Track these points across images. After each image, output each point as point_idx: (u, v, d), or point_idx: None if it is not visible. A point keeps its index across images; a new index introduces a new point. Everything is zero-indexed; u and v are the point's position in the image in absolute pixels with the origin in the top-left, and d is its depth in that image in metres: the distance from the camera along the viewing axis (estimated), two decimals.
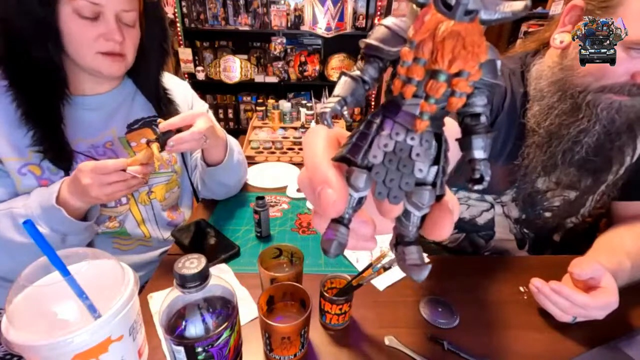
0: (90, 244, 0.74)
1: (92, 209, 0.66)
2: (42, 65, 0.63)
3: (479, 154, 0.18)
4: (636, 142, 0.67)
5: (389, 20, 0.17)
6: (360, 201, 0.19)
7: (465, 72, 0.14)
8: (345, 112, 0.17)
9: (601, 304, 0.54)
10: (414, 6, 0.15)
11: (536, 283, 0.59)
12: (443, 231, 0.19)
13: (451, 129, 0.19)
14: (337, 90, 0.18)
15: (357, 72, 0.18)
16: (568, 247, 0.82)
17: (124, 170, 0.59)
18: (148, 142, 0.63)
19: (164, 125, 0.65)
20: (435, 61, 0.14)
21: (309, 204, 0.92)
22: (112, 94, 0.76)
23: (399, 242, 0.20)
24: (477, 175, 0.18)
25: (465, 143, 0.18)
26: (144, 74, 0.78)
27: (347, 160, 0.18)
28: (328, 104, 0.17)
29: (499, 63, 0.17)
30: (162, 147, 0.64)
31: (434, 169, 0.18)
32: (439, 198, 0.19)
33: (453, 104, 0.15)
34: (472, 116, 0.18)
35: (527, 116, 0.67)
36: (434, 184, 0.18)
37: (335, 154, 0.18)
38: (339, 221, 0.19)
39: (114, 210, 0.75)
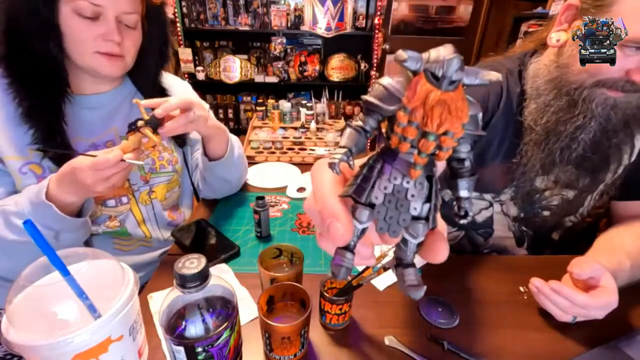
0: (90, 244, 0.74)
1: (86, 204, 0.65)
2: (44, 63, 0.63)
3: (463, 193, 0.21)
4: (633, 140, 0.67)
5: (386, 81, 0.19)
6: (364, 231, 0.21)
7: (451, 132, 0.17)
8: (351, 162, 0.20)
9: (601, 303, 0.54)
10: (408, 72, 0.18)
11: (536, 283, 0.59)
12: (439, 255, 0.22)
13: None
14: (344, 141, 0.20)
15: (360, 123, 0.20)
16: (568, 246, 0.83)
17: (123, 160, 0.59)
18: (139, 128, 0.62)
19: (145, 103, 0.63)
20: (426, 125, 0.17)
21: None
22: (112, 93, 0.76)
23: (398, 264, 0.23)
24: (462, 212, 0.21)
25: (452, 184, 0.22)
26: (143, 75, 0.78)
27: (353, 197, 0.21)
28: (336, 154, 0.20)
29: (480, 116, 0.20)
30: (155, 130, 0.63)
31: (427, 205, 0.21)
32: (433, 228, 0.22)
33: (441, 156, 0.19)
34: (458, 160, 0.21)
35: (524, 114, 0.68)
36: (427, 218, 0.21)
37: (342, 192, 0.21)
38: (345, 247, 0.21)
39: (114, 210, 0.75)
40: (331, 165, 0.20)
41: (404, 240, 0.22)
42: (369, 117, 0.20)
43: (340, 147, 0.20)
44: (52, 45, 0.62)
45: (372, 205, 0.20)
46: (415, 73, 0.17)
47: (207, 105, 0.96)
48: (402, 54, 0.17)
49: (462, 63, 0.17)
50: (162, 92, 0.82)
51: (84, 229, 0.66)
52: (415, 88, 0.17)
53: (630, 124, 0.62)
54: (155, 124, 0.62)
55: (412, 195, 0.20)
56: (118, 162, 0.57)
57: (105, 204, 0.74)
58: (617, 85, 0.56)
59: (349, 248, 0.21)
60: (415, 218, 0.21)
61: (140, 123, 0.62)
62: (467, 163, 0.21)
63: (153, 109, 0.63)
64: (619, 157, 0.68)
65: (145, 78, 0.79)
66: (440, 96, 0.17)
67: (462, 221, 0.21)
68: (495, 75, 0.18)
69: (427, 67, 0.17)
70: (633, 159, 0.70)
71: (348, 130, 0.21)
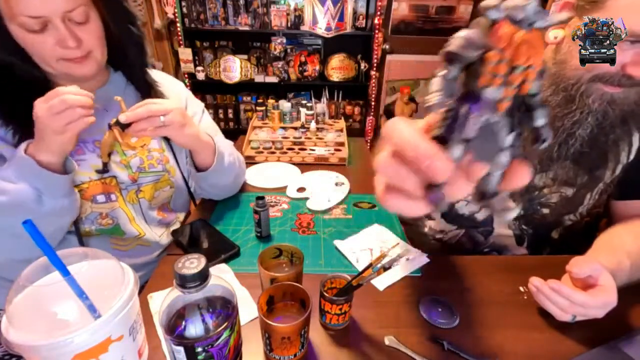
0: (88, 245, 0.74)
1: (67, 165, 0.65)
2: (22, 83, 0.63)
3: (540, 122, 0.24)
4: (631, 137, 0.68)
5: (463, 33, 0.22)
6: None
7: (533, 66, 0.21)
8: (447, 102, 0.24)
9: (600, 302, 0.54)
10: (486, 21, 0.21)
11: (535, 282, 0.59)
12: (523, 179, 0.25)
13: None
14: (435, 87, 0.23)
15: (444, 72, 0.23)
16: (567, 246, 0.83)
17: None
18: (110, 126, 0.64)
19: (127, 112, 0.65)
20: (516, 59, 0.21)
21: (309, 204, 0.92)
22: (100, 91, 0.74)
23: (482, 197, 0.27)
24: (542, 139, 0.24)
25: (527, 117, 0.24)
26: (126, 61, 0.77)
27: (442, 138, 0.24)
28: (432, 97, 0.23)
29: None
30: (123, 130, 0.64)
31: (511, 135, 0.24)
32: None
33: (524, 89, 0.22)
34: (531, 96, 0.24)
35: None
36: (512, 146, 0.24)
37: (434, 133, 0.24)
38: (435, 185, 0.24)
39: (104, 207, 0.75)
40: (431, 108, 0.23)
41: (488, 173, 0.26)
42: (451, 66, 0.23)
43: (434, 91, 0.23)
44: (21, 64, 0.62)
45: (466, 142, 0.24)
46: (494, 22, 0.21)
47: (202, 105, 0.96)
48: (488, 3, 0.20)
49: (538, 7, 0.20)
50: (152, 83, 0.82)
51: (68, 197, 0.65)
52: (499, 31, 0.21)
53: (628, 120, 0.62)
54: (123, 125, 0.64)
55: (501, 127, 0.23)
56: (64, 94, 0.57)
57: (95, 199, 0.74)
58: (613, 80, 0.57)
59: (438, 185, 0.24)
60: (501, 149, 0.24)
61: (112, 122, 0.64)
62: (538, 97, 0.24)
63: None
64: (616, 154, 0.68)
65: (128, 64, 0.77)
66: (523, 36, 0.20)
67: (542, 146, 0.25)
68: (563, 15, 0.23)
69: (508, 13, 0.20)
70: (631, 157, 0.70)
71: (436, 78, 0.24)
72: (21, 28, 0.60)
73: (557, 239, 0.83)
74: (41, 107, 0.57)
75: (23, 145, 0.60)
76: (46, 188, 0.61)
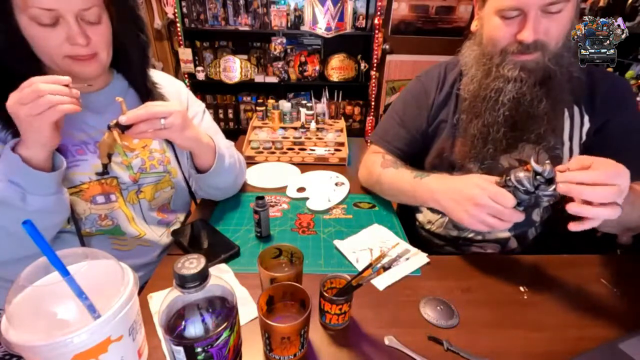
0: (88, 245, 0.74)
1: (56, 163, 0.63)
2: (21, 79, 0.63)
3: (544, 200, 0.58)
4: (571, 107, 0.75)
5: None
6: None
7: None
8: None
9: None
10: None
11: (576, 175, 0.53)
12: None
13: None
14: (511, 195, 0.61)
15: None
16: (550, 229, 0.86)
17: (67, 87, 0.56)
18: (110, 127, 0.63)
19: (130, 112, 0.64)
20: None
21: (309, 204, 0.92)
22: (103, 93, 0.75)
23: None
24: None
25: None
26: (128, 66, 0.77)
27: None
28: (510, 198, 0.64)
29: None
30: (123, 132, 0.64)
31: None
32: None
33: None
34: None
35: (460, 88, 0.81)
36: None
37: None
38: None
39: (103, 207, 0.75)
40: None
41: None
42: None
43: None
44: (25, 59, 0.62)
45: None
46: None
47: (203, 106, 0.96)
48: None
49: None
50: (153, 86, 0.82)
51: (53, 195, 0.63)
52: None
53: (548, 82, 0.69)
54: (123, 127, 0.63)
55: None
56: (34, 85, 0.55)
57: (95, 200, 0.73)
58: (514, 49, 0.66)
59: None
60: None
61: (111, 123, 0.63)
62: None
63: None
64: (554, 122, 0.74)
65: (131, 69, 0.78)
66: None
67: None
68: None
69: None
70: (584, 137, 0.76)
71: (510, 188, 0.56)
72: (31, 20, 0.59)
73: (539, 222, 0.85)
74: (12, 96, 0.55)
75: (11, 142, 0.59)
76: (28, 185, 0.59)
